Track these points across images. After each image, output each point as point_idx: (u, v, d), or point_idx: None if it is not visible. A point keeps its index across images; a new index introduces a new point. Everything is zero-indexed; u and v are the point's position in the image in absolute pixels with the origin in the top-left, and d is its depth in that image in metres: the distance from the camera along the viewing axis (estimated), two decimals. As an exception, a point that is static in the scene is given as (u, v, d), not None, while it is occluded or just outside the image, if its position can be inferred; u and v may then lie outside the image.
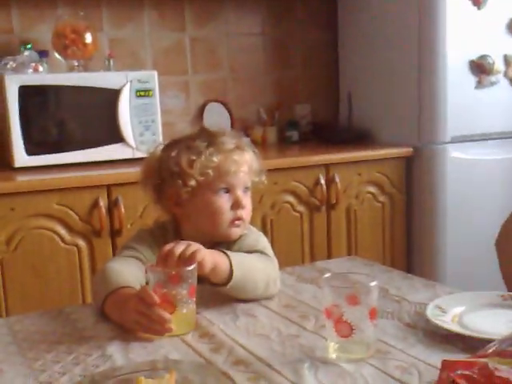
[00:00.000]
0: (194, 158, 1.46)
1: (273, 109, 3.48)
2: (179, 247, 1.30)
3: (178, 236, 1.54)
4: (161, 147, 1.56)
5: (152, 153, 1.57)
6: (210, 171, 1.46)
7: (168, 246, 1.31)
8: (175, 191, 1.49)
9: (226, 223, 1.49)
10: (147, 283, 1.30)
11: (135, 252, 1.49)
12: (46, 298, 2.42)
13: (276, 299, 1.43)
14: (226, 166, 1.47)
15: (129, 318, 1.25)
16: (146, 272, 1.30)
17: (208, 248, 1.44)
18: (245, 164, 1.50)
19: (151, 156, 1.57)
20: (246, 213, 1.52)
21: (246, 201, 1.52)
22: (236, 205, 1.49)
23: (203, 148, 1.48)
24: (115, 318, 1.31)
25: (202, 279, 1.35)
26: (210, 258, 1.32)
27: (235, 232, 1.51)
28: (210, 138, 1.51)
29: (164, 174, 1.50)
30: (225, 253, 1.38)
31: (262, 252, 1.49)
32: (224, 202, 1.48)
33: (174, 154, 1.49)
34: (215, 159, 1.47)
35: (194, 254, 1.29)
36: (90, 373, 1.08)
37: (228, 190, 1.49)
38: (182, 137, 1.56)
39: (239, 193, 1.50)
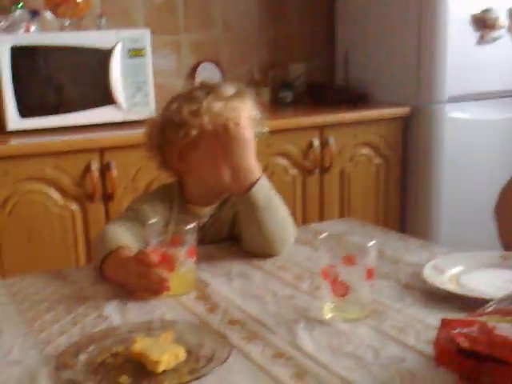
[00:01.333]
0: (195, 106, 1.46)
1: (266, 68, 3.43)
2: None
3: (183, 196, 1.54)
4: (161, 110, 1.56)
5: (150, 118, 1.58)
6: (210, 118, 1.45)
7: None
8: (178, 145, 1.48)
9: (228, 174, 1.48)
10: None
11: (137, 214, 1.48)
12: (40, 262, 2.41)
13: (270, 261, 1.43)
14: (226, 112, 1.46)
15: (127, 279, 1.26)
16: (146, 232, 1.31)
17: (216, 204, 1.50)
18: (244, 111, 1.49)
19: (152, 117, 1.57)
20: None
21: None
22: None
23: (203, 96, 1.47)
24: (113, 279, 1.31)
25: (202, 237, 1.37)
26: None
27: None
28: (210, 87, 1.51)
29: (167, 129, 1.49)
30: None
31: None
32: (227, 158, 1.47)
33: (174, 106, 1.49)
34: (215, 106, 1.46)
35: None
36: (89, 332, 1.09)
37: None
38: (182, 91, 1.56)
39: None
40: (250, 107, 1.52)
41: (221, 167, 1.45)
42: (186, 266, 1.27)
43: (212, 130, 1.45)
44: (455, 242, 2.89)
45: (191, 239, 1.27)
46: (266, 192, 1.44)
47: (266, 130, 1.58)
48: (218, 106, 1.46)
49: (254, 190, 1.42)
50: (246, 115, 1.49)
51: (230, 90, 1.51)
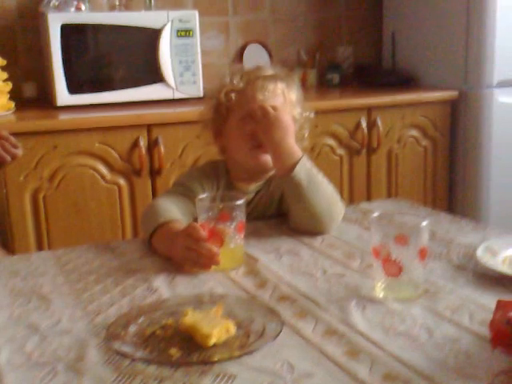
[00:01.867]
0: (233, 85, 1.50)
1: (314, 50, 3.41)
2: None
3: (228, 173, 1.55)
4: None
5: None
6: (234, 96, 1.49)
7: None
8: (217, 122, 1.54)
9: (248, 152, 1.49)
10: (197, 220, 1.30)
11: (185, 189, 1.49)
12: (86, 235, 2.45)
13: (319, 239, 1.42)
14: (251, 92, 1.48)
15: (177, 253, 1.25)
16: (196, 207, 1.30)
17: (262, 181, 1.53)
18: (275, 92, 1.50)
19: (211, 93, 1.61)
20: None
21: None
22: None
23: (238, 76, 1.51)
24: (162, 251, 1.32)
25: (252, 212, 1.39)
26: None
27: (264, 160, 1.49)
28: (253, 69, 1.55)
29: (212, 109, 1.56)
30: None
31: None
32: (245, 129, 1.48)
33: (219, 85, 1.54)
34: (241, 84, 1.50)
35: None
36: (138, 304, 1.09)
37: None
38: (237, 68, 1.62)
39: None
40: (283, 89, 1.52)
41: (245, 147, 1.48)
42: (234, 242, 1.26)
43: (247, 110, 1.46)
44: (504, 225, 2.84)
45: (240, 215, 1.26)
46: (308, 171, 1.42)
47: (311, 113, 1.58)
48: (256, 85, 1.48)
49: (296, 170, 1.40)
50: (278, 98, 1.50)
51: (265, 71, 1.53)
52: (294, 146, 1.44)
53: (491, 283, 1.13)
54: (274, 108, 1.45)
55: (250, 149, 1.48)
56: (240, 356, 0.90)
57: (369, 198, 2.90)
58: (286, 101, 1.52)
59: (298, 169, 1.40)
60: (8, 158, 1.75)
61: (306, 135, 1.60)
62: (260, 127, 1.44)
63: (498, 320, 0.90)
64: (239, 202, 1.26)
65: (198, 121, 1.61)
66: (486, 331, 0.93)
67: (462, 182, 3.09)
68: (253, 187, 1.55)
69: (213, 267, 1.23)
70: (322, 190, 1.43)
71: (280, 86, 1.51)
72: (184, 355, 0.91)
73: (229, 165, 1.57)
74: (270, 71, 1.54)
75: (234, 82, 1.50)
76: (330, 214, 1.44)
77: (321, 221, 1.43)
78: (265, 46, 3.34)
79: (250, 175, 1.55)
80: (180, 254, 1.24)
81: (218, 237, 1.24)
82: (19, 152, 1.78)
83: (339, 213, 1.46)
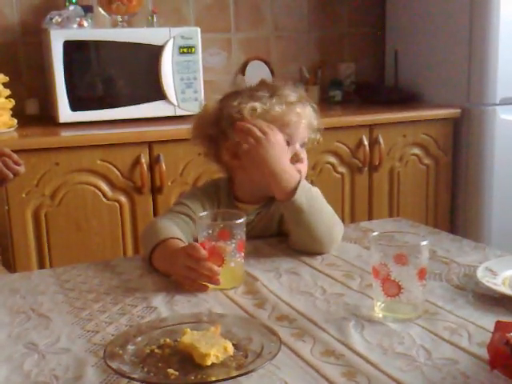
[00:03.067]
0: (257, 106, 1.45)
1: (316, 67, 3.42)
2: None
3: (231, 193, 1.54)
4: (215, 100, 1.54)
5: (206, 105, 1.56)
6: (267, 120, 1.44)
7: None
8: (232, 142, 1.47)
9: None
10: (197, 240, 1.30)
11: (186, 208, 1.49)
12: (87, 252, 2.45)
13: (319, 258, 1.41)
14: (288, 117, 1.46)
15: (176, 271, 1.25)
16: (196, 225, 1.30)
17: (263, 205, 1.48)
18: (305, 118, 1.49)
19: (206, 107, 1.55)
20: (304, 167, 1.51)
21: (304, 155, 1.51)
22: (295, 158, 1.48)
23: (266, 98, 1.47)
24: (162, 269, 1.32)
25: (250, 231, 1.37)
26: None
27: None
28: (273, 89, 1.50)
29: (223, 123, 1.48)
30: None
31: None
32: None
33: (236, 102, 1.47)
34: (278, 109, 1.45)
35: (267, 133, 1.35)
36: (137, 323, 1.09)
37: (288, 143, 1.46)
38: (242, 88, 1.55)
39: (298, 146, 1.49)
40: (309, 114, 1.51)
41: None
42: (235, 261, 1.26)
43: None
44: (505, 245, 2.83)
45: (240, 233, 1.26)
46: (308, 194, 1.41)
47: (320, 138, 1.58)
48: (278, 109, 1.45)
49: (297, 194, 1.38)
50: (306, 123, 1.49)
51: (292, 95, 1.49)
52: (289, 167, 1.42)
53: (491, 304, 1.12)
54: (264, 130, 1.41)
55: None
56: (238, 376, 0.89)
57: (370, 217, 2.90)
58: (310, 125, 1.51)
59: (298, 193, 1.38)
60: (10, 175, 1.75)
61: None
62: (252, 148, 1.42)
63: (497, 341, 0.89)
64: (239, 221, 1.26)
65: (193, 129, 1.57)
66: (484, 352, 0.93)
67: (464, 200, 3.09)
68: (253, 208, 1.54)
69: (212, 286, 1.23)
70: (323, 213, 1.42)
71: (307, 110, 1.50)
72: (182, 375, 0.91)
73: (236, 185, 1.55)
74: (295, 94, 1.50)
75: (268, 104, 1.45)
76: (331, 236, 1.43)
77: (321, 242, 1.42)
78: (267, 63, 3.36)
79: (256, 196, 1.54)
80: (180, 272, 1.24)
81: (218, 255, 1.24)
82: (21, 169, 1.78)
83: (339, 233, 1.46)
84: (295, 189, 1.39)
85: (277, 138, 1.42)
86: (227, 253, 1.25)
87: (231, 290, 1.24)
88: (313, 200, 1.41)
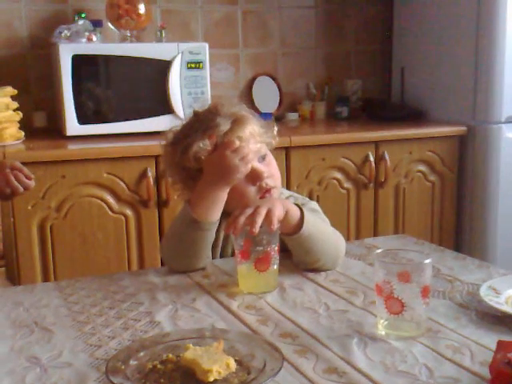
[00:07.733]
0: (198, 150, 1.41)
1: (323, 84, 3.44)
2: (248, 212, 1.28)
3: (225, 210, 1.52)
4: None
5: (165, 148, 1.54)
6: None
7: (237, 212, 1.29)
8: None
9: (257, 200, 1.42)
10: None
11: None
12: (93, 265, 2.45)
13: (323, 274, 1.41)
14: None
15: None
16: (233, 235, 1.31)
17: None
18: (249, 138, 1.43)
19: (166, 151, 1.53)
20: (273, 179, 1.47)
21: (268, 168, 1.47)
22: (255, 178, 1.44)
23: (200, 136, 1.42)
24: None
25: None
26: (283, 205, 1.33)
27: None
28: (205, 123, 1.44)
29: (184, 172, 1.49)
30: (296, 204, 1.39)
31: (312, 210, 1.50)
32: (243, 182, 1.43)
33: (179, 153, 1.45)
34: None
35: (268, 212, 1.27)
36: (140, 337, 1.09)
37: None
38: (179, 131, 1.50)
39: (256, 163, 1.44)
40: (252, 128, 1.45)
41: (245, 200, 1.42)
42: (277, 263, 1.31)
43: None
44: (511, 261, 2.83)
45: (276, 238, 1.30)
46: (312, 223, 1.38)
47: (275, 135, 1.53)
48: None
49: (304, 228, 1.36)
50: (252, 141, 1.44)
51: (225, 123, 1.42)
52: (286, 202, 1.38)
53: (494, 322, 1.12)
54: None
55: (261, 196, 1.45)
56: (240, 392, 0.90)
57: (375, 233, 2.90)
58: (259, 136, 1.46)
59: (304, 226, 1.36)
60: (20, 189, 1.76)
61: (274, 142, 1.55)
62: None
63: (499, 361, 0.89)
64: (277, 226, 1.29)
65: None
66: (486, 372, 0.92)
67: (469, 217, 3.08)
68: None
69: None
70: (327, 236, 1.42)
71: (248, 128, 1.44)
72: (184, 391, 0.91)
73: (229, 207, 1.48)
74: (227, 119, 1.44)
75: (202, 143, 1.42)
76: (337, 255, 1.44)
77: (325, 264, 1.43)
78: (274, 79, 3.37)
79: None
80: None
81: (266, 259, 1.28)
82: (32, 183, 1.79)
83: (343, 247, 1.46)
84: (302, 222, 1.36)
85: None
86: (272, 256, 1.29)
87: (234, 306, 1.24)
88: (317, 227, 1.40)
